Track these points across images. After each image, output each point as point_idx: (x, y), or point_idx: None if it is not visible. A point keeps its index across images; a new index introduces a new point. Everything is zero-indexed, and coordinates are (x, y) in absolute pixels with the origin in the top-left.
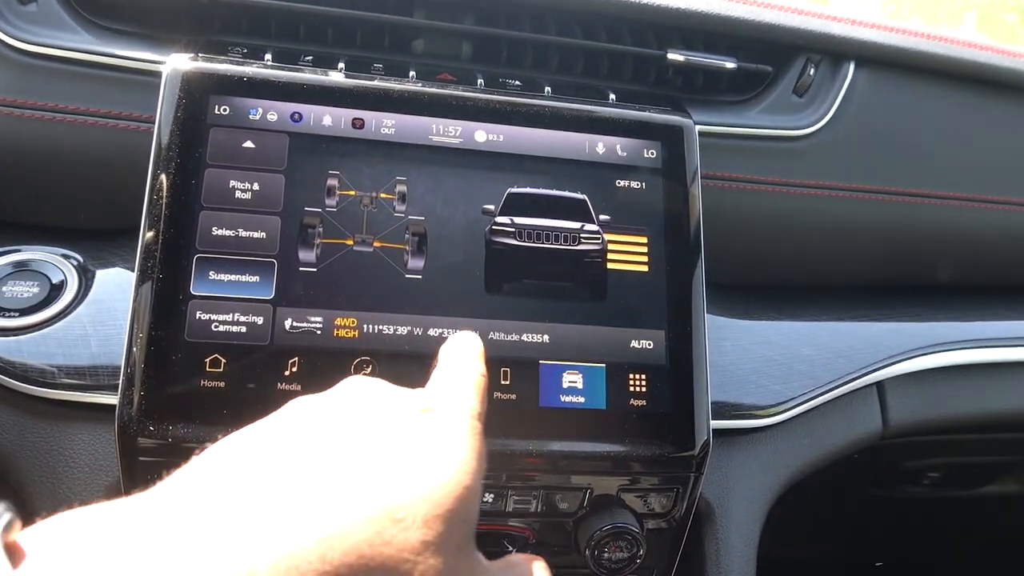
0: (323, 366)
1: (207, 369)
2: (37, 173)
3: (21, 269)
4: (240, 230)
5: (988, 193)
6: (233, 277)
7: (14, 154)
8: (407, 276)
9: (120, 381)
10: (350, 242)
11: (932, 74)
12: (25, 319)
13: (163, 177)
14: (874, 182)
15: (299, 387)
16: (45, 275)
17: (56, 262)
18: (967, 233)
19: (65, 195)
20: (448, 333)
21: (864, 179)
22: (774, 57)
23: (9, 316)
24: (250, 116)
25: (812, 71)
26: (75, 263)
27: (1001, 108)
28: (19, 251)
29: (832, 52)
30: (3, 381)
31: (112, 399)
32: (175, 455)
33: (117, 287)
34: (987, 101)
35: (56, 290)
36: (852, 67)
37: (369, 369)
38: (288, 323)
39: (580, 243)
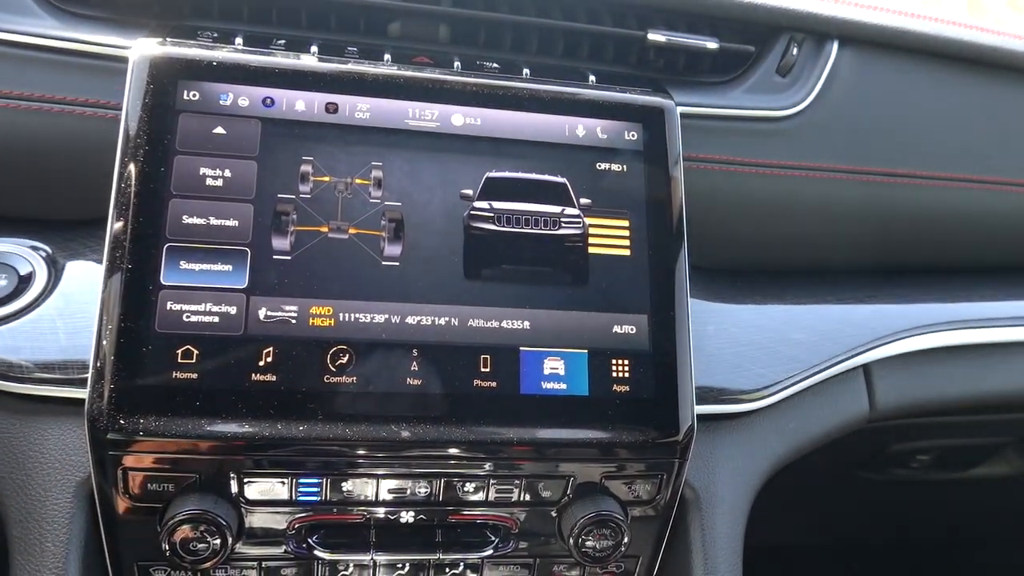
0: (299, 356)
1: (179, 360)
2: (1, 163)
3: None
4: (211, 218)
5: (974, 173)
6: (205, 266)
7: None
8: (384, 263)
9: (90, 374)
10: (325, 229)
11: (917, 53)
12: None
13: (131, 165)
14: (859, 162)
15: (274, 378)
16: (13, 267)
17: (24, 254)
18: (953, 213)
19: (31, 185)
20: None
21: (848, 160)
22: (756, 37)
23: None
24: (220, 101)
25: (795, 51)
26: (44, 254)
27: (987, 87)
28: None
29: (815, 31)
30: None
31: (82, 393)
32: (147, 450)
33: (87, 278)
34: (973, 80)
35: (24, 282)
36: (836, 46)
37: (346, 358)
38: (262, 312)
39: (561, 227)
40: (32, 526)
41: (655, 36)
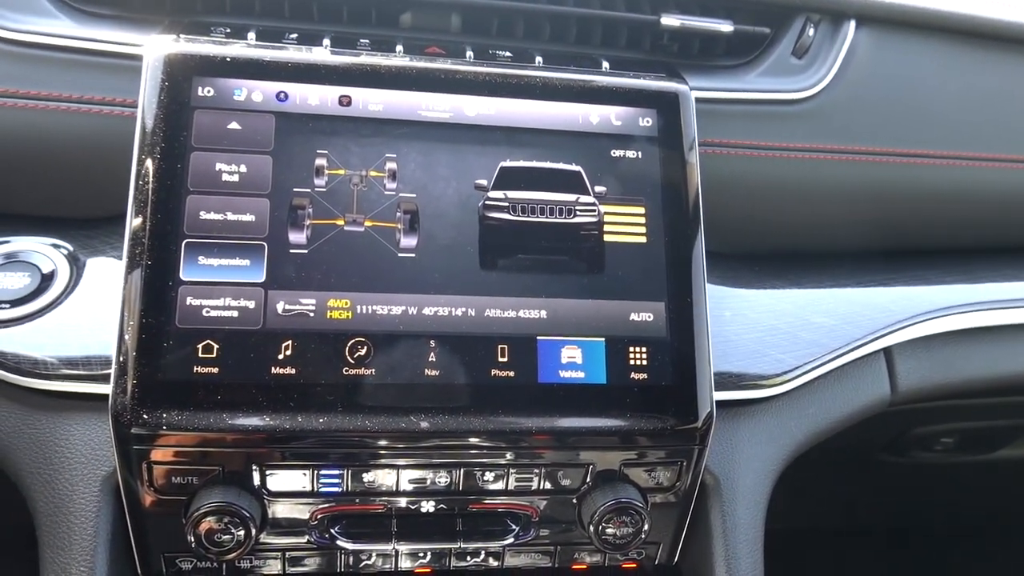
0: (317, 349)
1: (199, 355)
2: (21, 162)
3: (11, 260)
4: (228, 213)
5: (995, 152)
6: (223, 261)
7: None
8: (400, 255)
9: (113, 370)
10: (341, 222)
11: (936, 31)
12: (16, 310)
13: (148, 162)
14: (877, 144)
15: (293, 371)
16: (35, 265)
17: (46, 252)
18: (974, 193)
19: (52, 184)
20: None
21: (867, 141)
22: (772, 18)
23: (0, 307)
24: (235, 97)
25: (811, 31)
26: (65, 252)
27: (1008, 65)
28: (8, 242)
29: (832, 11)
30: None
31: (106, 388)
32: (171, 443)
33: (108, 275)
34: (994, 58)
35: (47, 280)
36: (853, 26)
37: (364, 350)
38: (280, 306)
39: (576, 215)
40: (60, 520)
41: (669, 20)
